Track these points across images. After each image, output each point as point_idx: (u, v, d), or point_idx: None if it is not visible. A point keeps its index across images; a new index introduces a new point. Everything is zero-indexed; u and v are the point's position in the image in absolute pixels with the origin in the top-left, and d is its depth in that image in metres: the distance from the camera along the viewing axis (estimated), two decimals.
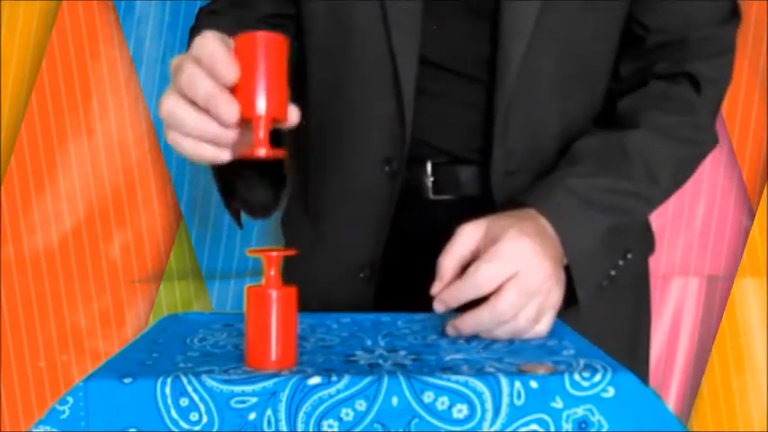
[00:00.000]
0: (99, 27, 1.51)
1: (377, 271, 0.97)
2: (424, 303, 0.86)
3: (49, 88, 1.51)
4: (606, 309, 0.96)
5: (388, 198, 0.95)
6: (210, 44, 0.65)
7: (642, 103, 0.93)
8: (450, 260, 0.78)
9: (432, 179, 0.97)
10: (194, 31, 1.00)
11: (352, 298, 0.97)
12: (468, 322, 0.76)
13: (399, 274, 0.95)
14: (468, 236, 0.79)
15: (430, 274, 0.81)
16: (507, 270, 0.75)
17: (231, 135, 0.66)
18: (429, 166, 0.96)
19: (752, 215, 1.52)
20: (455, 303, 0.77)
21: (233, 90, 0.65)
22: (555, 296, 0.78)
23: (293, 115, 0.67)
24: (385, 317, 0.85)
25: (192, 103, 0.67)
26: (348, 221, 0.98)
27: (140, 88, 1.53)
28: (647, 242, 1.07)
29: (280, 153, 0.65)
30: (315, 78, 0.99)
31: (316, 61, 0.99)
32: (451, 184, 0.96)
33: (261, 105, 0.64)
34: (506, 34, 0.90)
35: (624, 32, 0.96)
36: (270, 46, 0.64)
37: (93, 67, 1.51)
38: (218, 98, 0.64)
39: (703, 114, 0.94)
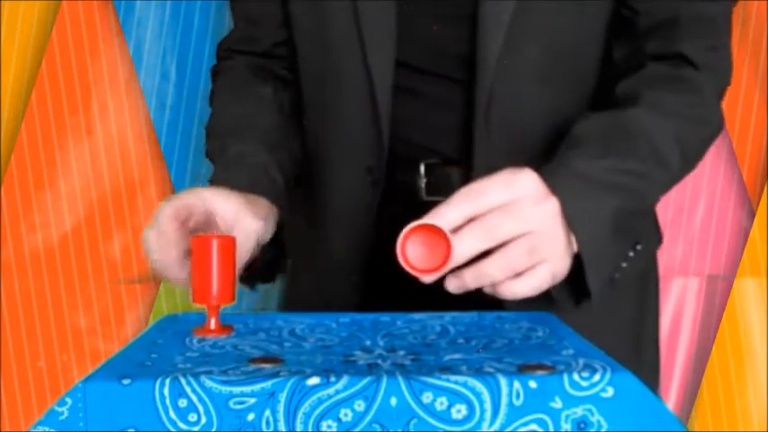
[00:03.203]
0: (99, 27, 1.51)
1: (365, 276, 0.98)
2: (417, 306, 0.87)
3: (49, 88, 1.51)
4: (603, 309, 0.94)
5: (371, 206, 0.96)
6: (164, 242, 0.80)
7: (641, 83, 0.90)
8: (474, 245, 0.77)
9: (425, 180, 0.96)
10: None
11: (342, 302, 0.97)
12: (475, 274, 0.76)
13: (392, 278, 0.95)
14: (498, 193, 0.78)
15: (402, 278, 0.81)
16: (524, 228, 0.77)
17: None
18: (422, 168, 0.96)
19: (752, 215, 1.52)
20: (474, 285, 0.78)
21: (193, 281, 0.79)
22: (562, 266, 0.79)
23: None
24: (384, 317, 0.85)
25: None
26: (336, 230, 0.99)
27: (140, 88, 1.53)
28: (654, 238, 1.06)
29: (228, 331, 0.77)
30: (305, 94, 1.02)
31: (304, 78, 1.02)
32: (444, 186, 0.95)
33: (212, 297, 0.77)
34: (483, 32, 0.90)
35: (614, 17, 0.94)
36: (220, 248, 0.77)
37: (93, 67, 1.51)
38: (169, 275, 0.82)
39: (707, 93, 0.91)
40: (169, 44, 1.53)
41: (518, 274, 0.78)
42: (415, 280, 0.80)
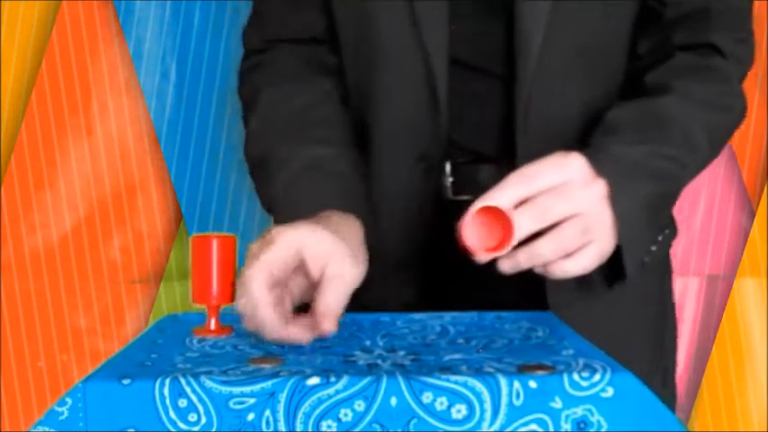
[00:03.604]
0: (99, 27, 1.51)
1: (419, 272, 0.96)
2: (437, 305, 0.87)
3: (49, 88, 1.51)
4: (630, 299, 0.96)
5: (423, 197, 0.95)
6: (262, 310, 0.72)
7: (671, 72, 0.92)
8: (528, 226, 0.78)
9: (451, 179, 0.96)
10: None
11: (393, 297, 0.95)
12: (528, 254, 0.79)
13: (420, 275, 0.96)
14: (548, 176, 0.80)
15: (450, 275, 0.86)
16: (575, 209, 0.79)
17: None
18: (448, 167, 0.95)
19: (752, 215, 1.52)
20: (527, 266, 0.80)
21: (193, 280, 0.77)
22: (609, 246, 0.81)
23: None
24: (384, 317, 0.85)
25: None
26: (381, 221, 0.95)
27: (140, 88, 1.53)
28: (672, 226, 1.07)
29: (228, 331, 0.78)
30: (350, 83, 0.98)
31: (348, 67, 0.98)
32: (471, 184, 0.95)
33: (212, 297, 0.77)
34: (522, 27, 0.90)
35: (640, 9, 0.95)
36: (221, 247, 0.77)
37: (93, 67, 1.51)
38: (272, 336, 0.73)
39: (734, 82, 0.94)
40: (169, 44, 1.53)
41: (568, 254, 0.81)
42: (445, 280, 0.84)
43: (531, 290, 0.92)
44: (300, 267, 0.74)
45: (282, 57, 0.98)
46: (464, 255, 0.80)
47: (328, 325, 0.72)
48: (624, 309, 0.96)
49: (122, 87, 1.52)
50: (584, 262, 0.81)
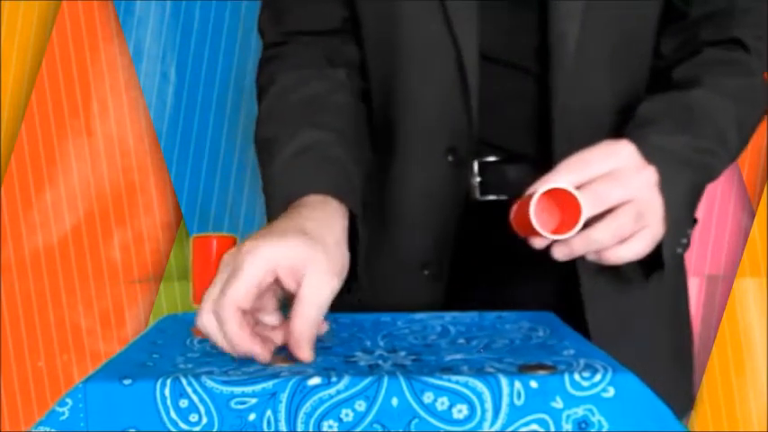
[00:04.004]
0: (99, 27, 1.51)
1: (445, 269, 0.95)
2: (465, 305, 0.87)
3: (49, 88, 1.51)
4: (656, 292, 0.97)
5: (450, 195, 0.94)
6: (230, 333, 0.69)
7: (700, 67, 0.93)
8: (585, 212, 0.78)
9: (478, 179, 0.95)
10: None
11: (418, 297, 0.95)
12: (584, 241, 0.78)
13: (446, 275, 0.95)
14: (601, 162, 0.79)
15: (477, 275, 0.87)
16: (629, 195, 0.79)
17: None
18: (476, 166, 0.95)
19: (752, 215, 1.52)
20: (582, 252, 0.79)
21: (194, 281, 0.79)
22: (660, 231, 0.81)
23: None
24: (385, 317, 0.85)
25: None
26: (407, 217, 0.96)
27: (140, 88, 1.53)
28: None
29: None
30: (372, 77, 0.98)
31: (371, 61, 0.97)
32: (498, 184, 0.94)
33: None
34: (558, 28, 0.90)
35: (664, 9, 0.96)
36: (221, 248, 0.78)
37: (93, 67, 1.51)
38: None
39: (758, 76, 0.95)
40: (169, 44, 1.53)
41: (623, 240, 0.80)
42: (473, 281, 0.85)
43: (558, 287, 0.92)
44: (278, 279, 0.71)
45: (300, 48, 0.98)
46: (512, 240, 0.80)
47: (302, 355, 0.68)
48: (651, 303, 0.97)
49: (122, 87, 1.52)
50: (638, 247, 0.81)
